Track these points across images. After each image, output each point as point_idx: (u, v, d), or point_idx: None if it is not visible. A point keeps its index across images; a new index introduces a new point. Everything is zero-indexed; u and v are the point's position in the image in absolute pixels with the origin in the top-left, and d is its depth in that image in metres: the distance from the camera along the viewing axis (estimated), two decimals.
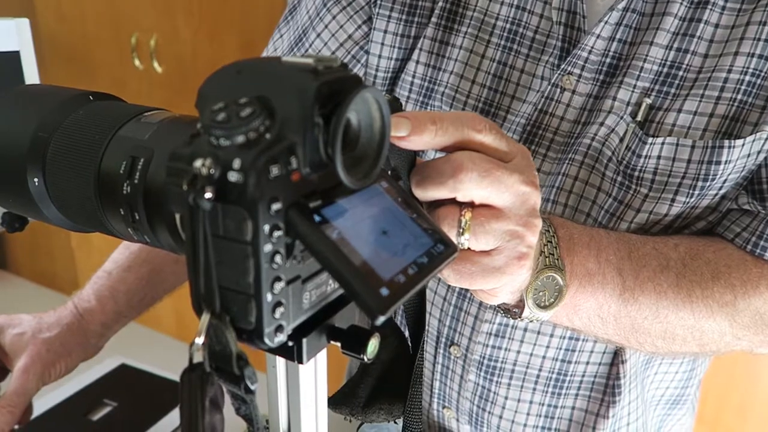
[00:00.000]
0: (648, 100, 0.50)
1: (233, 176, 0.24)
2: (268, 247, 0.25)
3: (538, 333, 0.54)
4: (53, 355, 0.58)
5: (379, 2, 0.58)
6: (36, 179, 0.33)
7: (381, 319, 0.25)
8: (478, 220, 0.34)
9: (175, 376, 0.79)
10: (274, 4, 1.52)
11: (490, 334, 0.55)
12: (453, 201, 0.34)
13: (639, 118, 0.51)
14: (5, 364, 0.59)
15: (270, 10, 1.53)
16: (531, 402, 0.57)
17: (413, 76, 0.58)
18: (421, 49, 0.57)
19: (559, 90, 0.52)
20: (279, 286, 0.26)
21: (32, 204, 0.34)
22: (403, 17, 0.58)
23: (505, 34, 0.54)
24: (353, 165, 0.28)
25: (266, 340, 0.26)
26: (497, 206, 0.34)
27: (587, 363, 0.55)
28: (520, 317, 0.42)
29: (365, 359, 0.30)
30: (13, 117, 0.35)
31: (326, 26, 0.61)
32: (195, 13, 1.60)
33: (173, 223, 0.29)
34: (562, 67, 0.52)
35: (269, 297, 0.25)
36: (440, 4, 0.56)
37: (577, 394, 0.56)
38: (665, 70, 0.50)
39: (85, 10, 1.84)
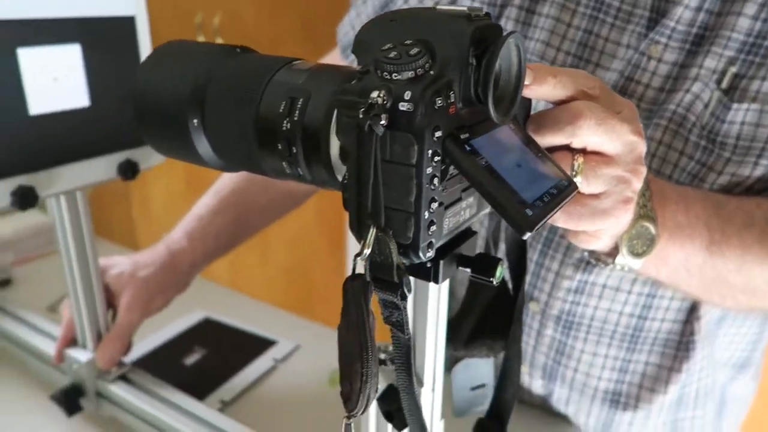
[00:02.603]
0: (733, 69, 0.52)
1: (404, 106, 0.28)
2: (428, 170, 0.28)
3: (617, 289, 0.57)
4: (151, 291, 0.64)
5: None
6: (195, 120, 0.38)
7: (528, 235, 0.29)
8: (590, 165, 0.37)
9: (254, 330, 0.84)
10: None
11: (570, 290, 0.58)
12: (565, 147, 0.37)
13: (723, 85, 0.53)
14: (110, 300, 0.64)
15: None
16: (606, 356, 0.60)
17: None
18: (508, 18, 0.60)
19: (645, 58, 0.55)
20: (434, 206, 0.30)
21: (189, 144, 0.39)
22: None
23: (592, 3, 0.57)
24: (495, 104, 0.31)
25: (420, 254, 0.30)
26: (608, 153, 0.37)
27: (662, 320, 0.58)
28: (612, 264, 0.45)
29: (494, 282, 0.34)
30: (170, 69, 0.39)
31: None
32: None
33: (328, 156, 0.33)
34: (650, 36, 0.54)
35: (426, 215, 0.29)
36: None
37: (651, 350, 0.59)
38: (751, 39, 0.52)
39: None
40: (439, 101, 0.28)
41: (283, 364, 0.78)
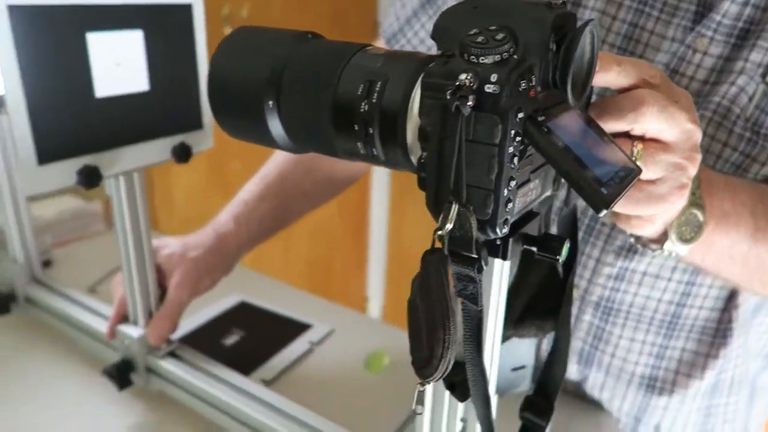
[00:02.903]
0: None
1: (490, 88, 0.29)
2: (510, 150, 0.30)
3: (657, 277, 0.59)
4: (200, 272, 0.66)
5: None
6: (270, 102, 0.39)
7: (605, 212, 0.30)
8: (649, 151, 0.38)
9: (288, 313, 0.86)
10: None
11: (611, 276, 0.60)
12: (625, 134, 0.39)
13: None
14: (160, 280, 0.67)
15: None
16: (644, 342, 0.61)
17: None
18: None
19: (691, 51, 0.56)
20: (512, 184, 0.31)
21: (263, 126, 0.40)
22: None
23: None
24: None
25: (497, 230, 0.32)
26: (666, 140, 0.38)
27: (701, 307, 0.59)
28: (660, 250, 0.46)
29: (560, 260, 0.36)
30: (246, 54, 0.41)
31: None
32: None
33: (404, 138, 0.35)
34: (696, 29, 0.55)
35: (505, 192, 0.31)
36: None
37: (688, 336, 0.60)
38: None
39: None
40: (523, 84, 0.29)
41: (319, 347, 0.80)
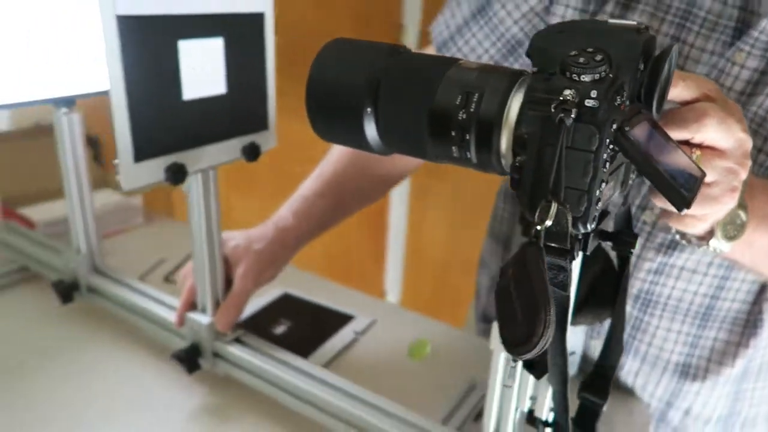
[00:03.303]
0: None
1: (590, 102, 0.34)
2: (604, 156, 0.35)
3: (694, 272, 0.63)
4: (264, 263, 0.70)
5: None
6: (369, 109, 0.44)
7: (686, 211, 0.35)
8: (706, 158, 0.43)
9: (331, 305, 0.90)
10: None
11: (651, 271, 0.64)
12: (685, 142, 0.44)
13: None
14: (226, 271, 0.71)
15: None
16: (679, 332, 0.66)
17: None
18: None
19: (730, 64, 0.60)
20: (603, 186, 0.36)
21: (359, 130, 0.45)
22: None
23: (680, 13, 0.63)
24: None
25: (588, 225, 0.36)
26: (722, 148, 0.43)
27: (733, 300, 0.64)
28: (706, 246, 0.51)
29: (633, 253, 0.40)
30: (344, 63, 0.45)
31: None
32: None
33: (498, 144, 0.39)
34: (737, 44, 0.60)
35: (597, 193, 0.35)
36: None
37: (720, 327, 0.65)
38: None
39: None
40: (618, 100, 0.34)
41: (364, 336, 0.84)
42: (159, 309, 0.73)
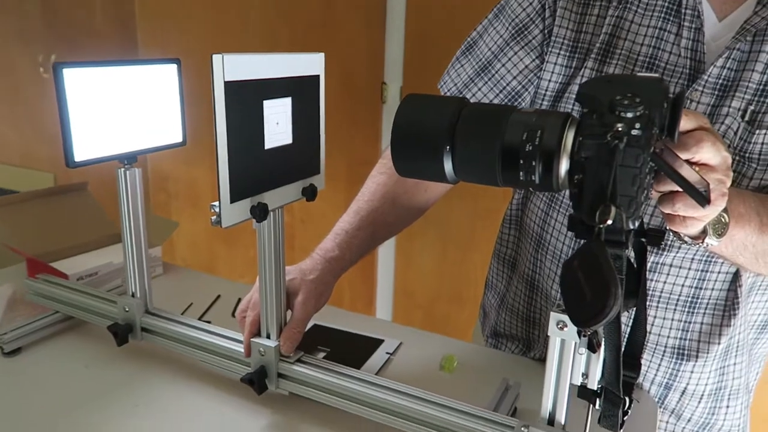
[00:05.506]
0: (751, 107, 0.75)
1: (635, 131, 0.47)
2: (645, 170, 0.48)
3: (680, 267, 0.78)
4: (319, 290, 0.80)
5: (551, 43, 0.82)
6: (447, 147, 0.55)
7: (708, 208, 0.48)
8: (702, 172, 0.57)
9: (359, 332, 0.99)
10: None
11: (647, 270, 0.78)
12: (686, 161, 0.57)
13: (746, 118, 0.75)
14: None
15: None
16: (672, 319, 0.80)
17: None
18: (582, 75, 0.82)
19: (689, 101, 0.77)
20: (645, 193, 0.49)
21: (439, 165, 0.56)
22: (569, 54, 0.82)
23: (646, 64, 0.79)
24: None
25: (635, 222, 0.49)
26: (712, 164, 0.57)
27: (713, 289, 0.79)
28: (701, 243, 0.65)
29: (663, 247, 0.53)
30: (424, 113, 0.57)
31: (509, 59, 0.85)
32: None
33: (558, 169, 0.52)
34: (692, 86, 0.76)
35: (641, 198, 0.48)
36: (597, 45, 0.81)
37: (705, 312, 0.80)
38: (761, 87, 0.75)
39: None
40: (654, 129, 0.47)
41: (395, 356, 0.94)
42: (216, 340, 0.81)
